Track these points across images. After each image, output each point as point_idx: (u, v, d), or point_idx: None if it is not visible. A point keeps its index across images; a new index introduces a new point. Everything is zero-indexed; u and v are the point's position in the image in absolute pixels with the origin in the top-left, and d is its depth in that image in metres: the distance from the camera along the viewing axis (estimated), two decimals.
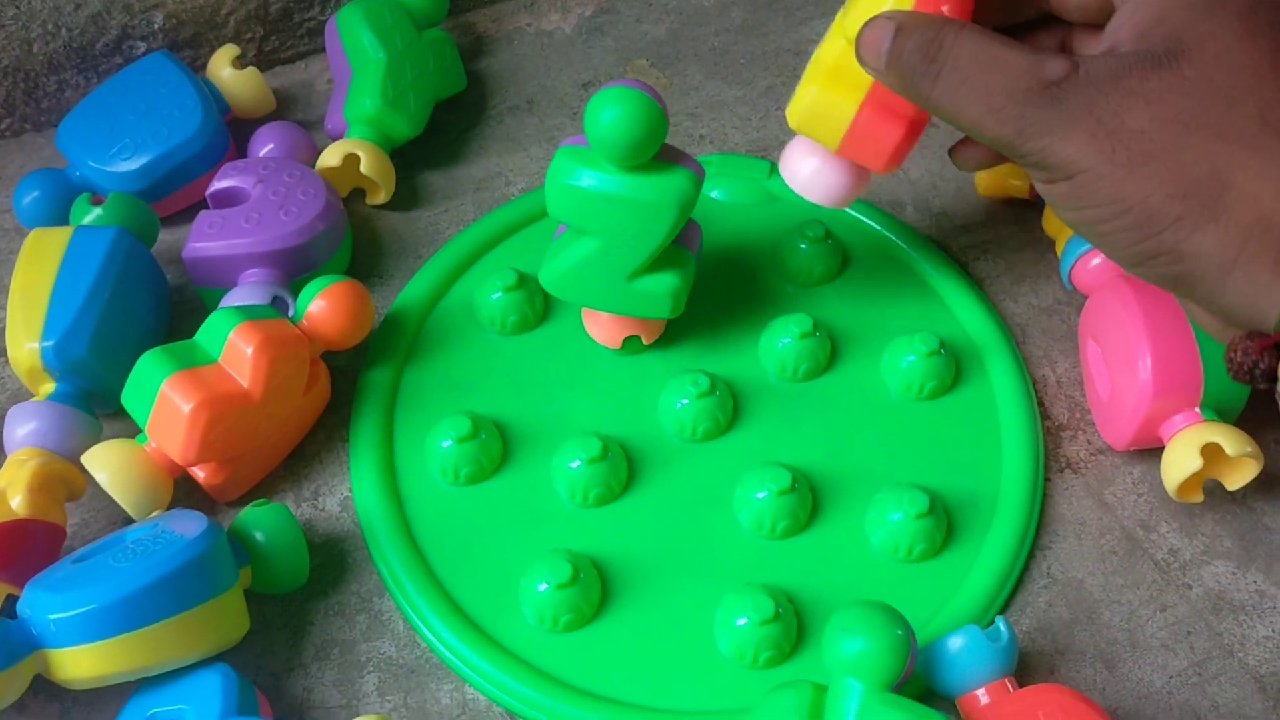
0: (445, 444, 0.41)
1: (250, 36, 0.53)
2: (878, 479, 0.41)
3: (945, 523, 0.40)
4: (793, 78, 0.51)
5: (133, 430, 0.41)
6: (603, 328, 0.44)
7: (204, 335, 0.39)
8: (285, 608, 0.39)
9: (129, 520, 0.41)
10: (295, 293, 0.43)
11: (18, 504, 0.37)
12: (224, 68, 0.49)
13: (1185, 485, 0.39)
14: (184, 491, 0.41)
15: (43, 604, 0.33)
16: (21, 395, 0.44)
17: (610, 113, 0.37)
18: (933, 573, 0.40)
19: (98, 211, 0.44)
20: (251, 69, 0.50)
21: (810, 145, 0.41)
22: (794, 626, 0.38)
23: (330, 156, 0.47)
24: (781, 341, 0.43)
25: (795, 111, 0.39)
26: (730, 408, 0.43)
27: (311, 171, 0.46)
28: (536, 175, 0.51)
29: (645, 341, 0.44)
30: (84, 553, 0.36)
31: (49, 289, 0.41)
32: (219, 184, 0.45)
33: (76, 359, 0.40)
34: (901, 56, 0.35)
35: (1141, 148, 0.32)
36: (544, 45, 0.56)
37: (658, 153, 0.39)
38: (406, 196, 0.50)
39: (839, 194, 0.41)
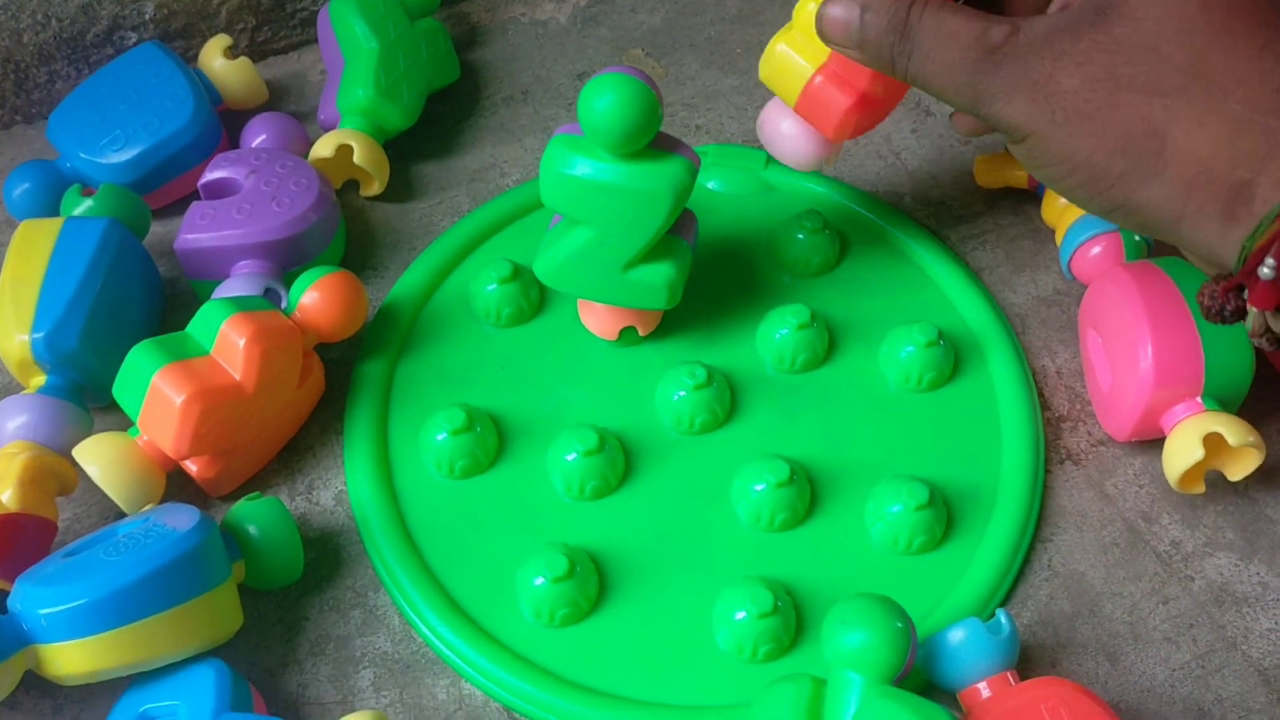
0: (440, 437, 0.40)
1: (242, 26, 0.53)
2: (877, 471, 0.41)
3: (945, 515, 0.40)
4: None
5: (124, 423, 0.40)
6: (599, 319, 0.44)
7: (196, 327, 0.39)
8: (279, 603, 0.39)
9: (121, 514, 0.40)
10: (288, 285, 0.43)
11: (8, 498, 0.36)
12: (216, 58, 0.49)
13: (1187, 476, 0.39)
14: (176, 485, 0.41)
15: (33, 598, 0.33)
16: (12, 388, 0.44)
17: (605, 99, 0.36)
18: (933, 565, 0.39)
19: (88, 203, 0.43)
20: (243, 59, 0.49)
21: (782, 105, 0.42)
22: (793, 620, 0.38)
23: (323, 147, 0.46)
24: (779, 332, 0.43)
25: (763, 65, 0.41)
26: (728, 400, 0.42)
27: (304, 162, 0.45)
28: (531, 166, 0.50)
29: (641, 333, 0.44)
30: (75, 547, 0.36)
31: (39, 281, 0.40)
32: (211, 175, 0.45)
33: (67, 351, 0.39)
34: (873, 36, 0.36)
35: (1077, 108, 0.32)
36: (538, 35, 0.55)
37: (653, 140, 0.38)
38: (400, 188, 0.49)
39: (801, 156, 0.42)
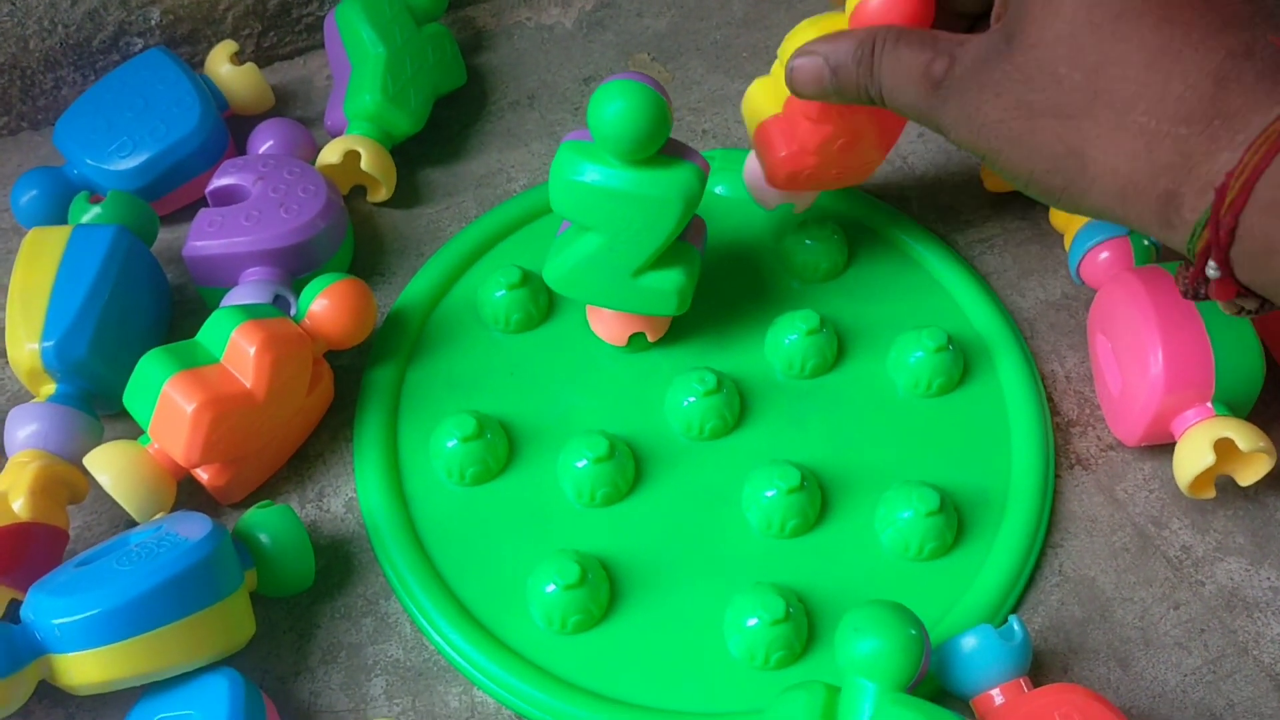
0: (450, 443, 0.40)
1: (248, 32, 0.53)
2: (887, 476, 0.41)
3: (955, 520, 0.40)
4: None
5: (135, 431, 0.40)
6: (607, 325, 0.44)
7: (206, 335, 0.39)
8: (291, 611, 0.39)
9: (131, 522, 0.40)
10: (297, 291, 0.43)
11: (19, 507, 0.37)
12: (222, 64, 0.49)
13: (1198, 481, 0.39)
14: (186, 493, 0.41)
15: (47, 608, 0.33)
16: (22, 397, 0.44)
17: (614, 106, 0.36)
18: (943, 571, 0.39)
19: (96, 210, 0.43)
20: (250, 65, 0.49)
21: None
22: (805, 626, 0.38)
23: (330, 153, 0.46)
24: (788, 338, 0.43)
25: (743, 103, 0.43)
26: (737, 405, 0.42)
27: (312, 169, 0.45)
28: (538, 171, 0.50)
29: (650, 339, 0.44)
30: (87, 556, 0.36)
31: (48, 289, 0.40)
32: (219, 181, 0.45)
33: (77, 359, 0.39)
34: (845, 80, 0.37)
35: (1004, 136, 0.33)
36: (544, 40, 0.55)
37: (662, 147, 0.38)
38: (407, 193, 0.49)
39: (757, 194, 0.44)
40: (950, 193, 0.49)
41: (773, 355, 0.44)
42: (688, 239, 0.41)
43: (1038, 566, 0.40)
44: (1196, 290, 0.32)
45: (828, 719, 0.32)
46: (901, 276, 0.46)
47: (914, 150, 0.51)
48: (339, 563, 0.40)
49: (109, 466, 0.38)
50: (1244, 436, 0.38)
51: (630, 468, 0.41)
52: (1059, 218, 0.46)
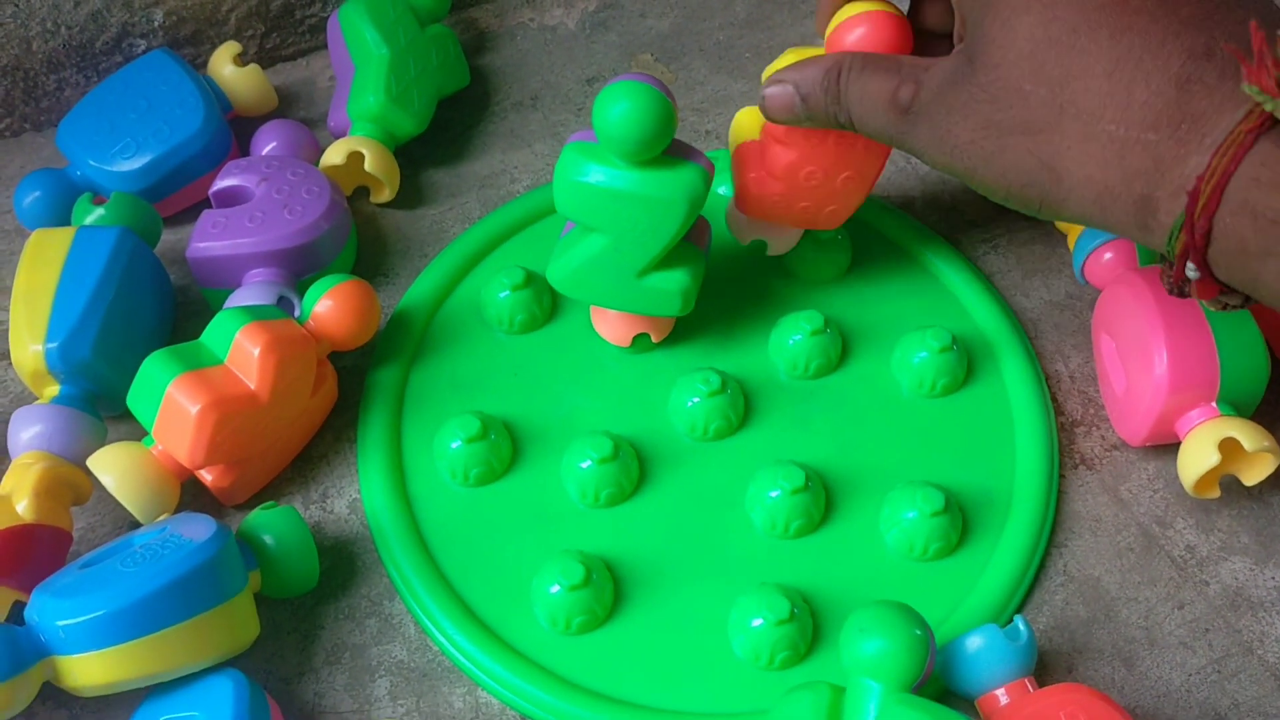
0: (454, 444, 0.40)
1: (251, 33, 0.53)
2: (891, 477, 0.41)
3: (960, 520, 0.40)
4: None
5: (138, 433, 0.40)
6: (611, 326, 0.44)
7: (210, 336, 0.39)
8: (295, 612, 0.39)
9: (135, 524, 0.40)
10: (301, 293, 0.43)
11: (23, 508, 0.37)
12: (225, 65, 0.49)
13: (1202, 481, 0.39)
14: (190, 494, 0.41)
15: (51, 610, 0.33)
16: (26, 398, 0.43)
17: (619, 107, 0.36)
18: (948, 571, 0.39)
19: (100, 211, 0.43)
20: (253, 66, 0.49)
21: None
22: (809, 627, 0.38)
23: (334, 154, 0.46)
24: (792, 339, 0.43)
25: (732, 125, 0.43)
26: (741, 406, 0.42)
27: (315, 170, 0.45)
28: (542, 171, 0.50)
29: (655, 339, 0.44)
30: (91, 557, 0.36)
31: (52, 290, 0.40)
32: (222, 183, 0.45)
33: (81, 361, 0.39)
34: (814, 108, 0.38)
35: (976, 155, 0.34)
36: (547, 40, 0.55)
37: (667, 148, 0.38)
38: (411, 194, 0.49)
39: (733, 220, 0.44)
40: (954, 193, 0.49)
41: (777, 356, 0.44)
42: (692, 240, 0.41)
43: (1042, 566, 0.40)
44: (1181, 290, 0.32)
45: (833, 719, 0.32)
46: (905, 277, 0.46)
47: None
48: (343, 564, 0.40)
49: (113, 468, 0.38)
50: (1249, 436, 0.38)
51: (634, 468, 0.41)
52: None
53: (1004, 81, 0.33)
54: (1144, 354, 0.40)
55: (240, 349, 0.38)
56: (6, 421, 0.40)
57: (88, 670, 0.33)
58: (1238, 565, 0.40)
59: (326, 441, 0.43)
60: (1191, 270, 0.30)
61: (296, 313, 0.42)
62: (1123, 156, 0.31)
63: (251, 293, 0.42)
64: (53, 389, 0.40)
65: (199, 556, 0.34)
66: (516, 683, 0.37)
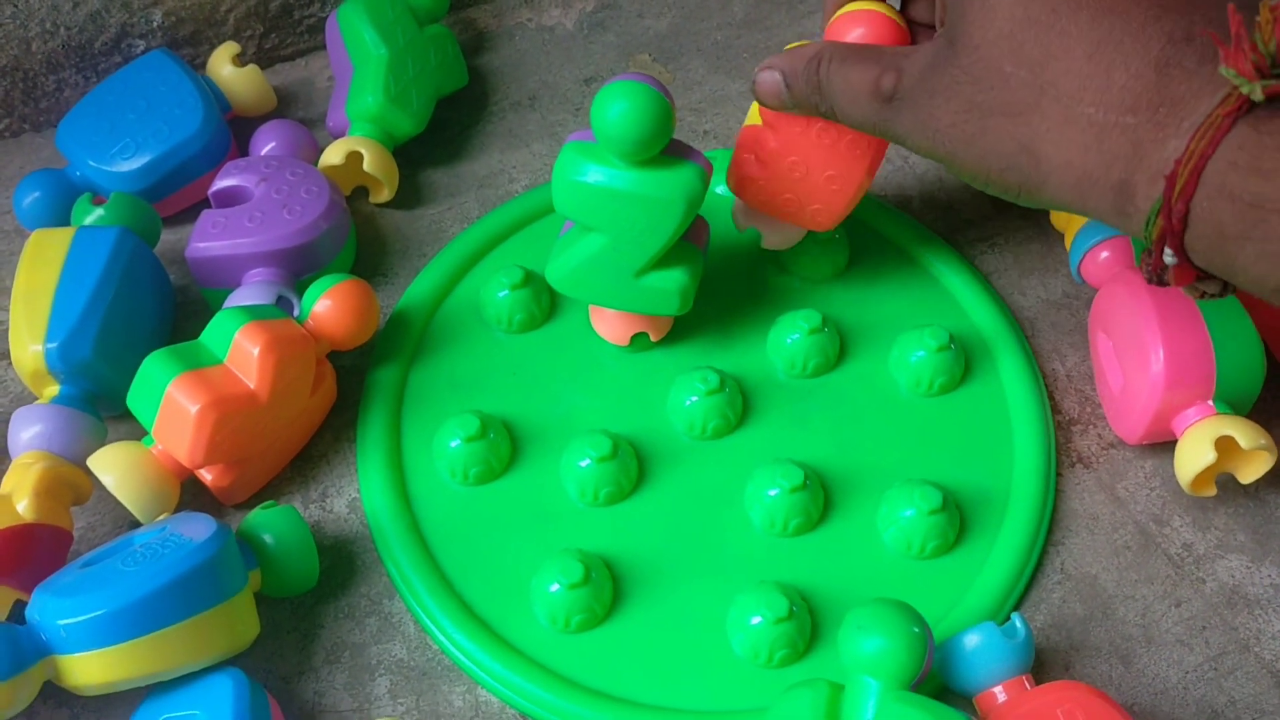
0: (453, 443, 0.41)
1: (250, 33, 0.53)
2: (889, 475, 0.41)
3: (958, 519, 0.40)
4: None
5: (138, 432, 0.40)
6: (610, 325, 0.44)
7: (209, 336, 0.39)
8: (295, 611, 0.39)
9: (135, 523, 0.40)
10: (300, 292, 0.43)
11: (24, 508, 0.37)
12: (224, 65, 0.49)
13: (1199, 479, 0.39)
14: (190, 494, 0.41)
15: (52, 609, 0.33)
16: (25, 398, 0.44)
17: (618, 107, 0.36)
18: (946, 569, 0.40)
19: (99, 212, 0.43)
20: (252, 66, 0.49)
21: None
22: (808, 625, 0.38)
23: (333, 154, 0.46)
24: (790, 337, 0.43)
25: (750, 113, 0.42)
26: (740, 405, 0.43)
27: (314, 170, 0.45)
28: (540, 171, 0.50)
29: (653, 338, 0.44)
30: (92, 557, 0.36)
31: (52, 291, 0.40)
32: (221, 183, 0.45)
33: (81, 361, 0.39)
34: (798, 96, 0.38)
35: (958, 138, 0.34)
36: (545, 40, 0.55)
37: (665, 148, 0.38)
38: (409, 194, 0.50)
39: (735, 207, 0.44)
40: (951, 192, 0.49)
41: (775, 354, 0.44)
42: (690, 239, 0.41)
43: (1039, 564, 0.40)
44: (1159, 276, 0.32)
45: (832, 717, 0.33)
46: (903, 276, 0.46)
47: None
48: (342, 563, 0.40)
49: (113, 467, 0.38)
50: (1245, 434, 0.38)
51: (633, 467, 0.41)
52: (1060, 217, 0.46)
53: (985, 62, 0.33)
54: (1140, 352, 0.40)
55: (240, 349, 0.38)
56: (7, 421, 0.40)
57: (88, 669, 0.33)
58: (1234, 563, 0.40)
59: (326, 441, 0.43)
60: (1169, 256, 0.30)
61: (296, 312, 0.42)
62: (1101, 140, 0.31)
63: (251, 292, 0.42)
64: (53, 389, 0.40)
65: (199, 556, 0.34)
66: (516, 681, 0.37)
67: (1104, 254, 0.43)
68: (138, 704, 0.35)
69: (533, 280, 0.44)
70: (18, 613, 0.36)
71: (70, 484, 0.38)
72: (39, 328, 0.40)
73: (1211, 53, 0.29)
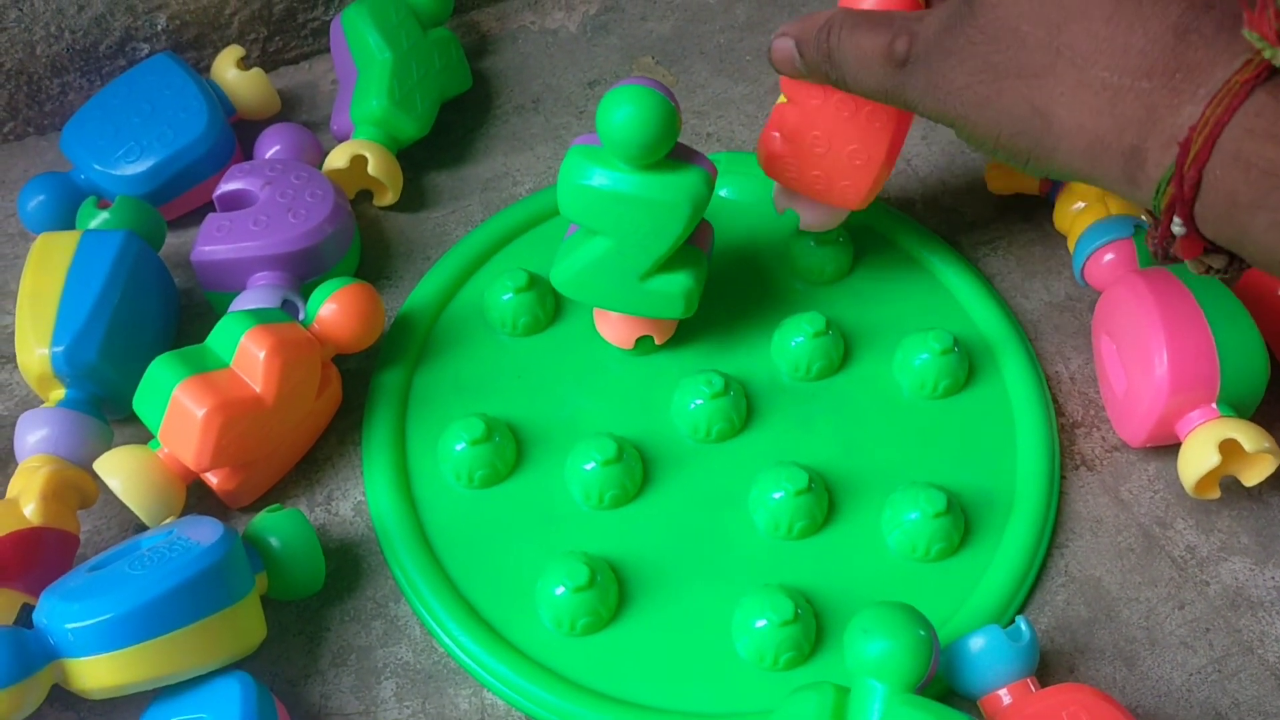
0: (459, 447, 0.41)
1: (254, 37, 0.53)
2: (893, 478, 0.41)
3: (962, 522, 0.40)
4: None
5: (144, 436, 0.41)
6: (614, 328, 0.44)
7: (215, 340, 0.39)
8: (301, 614, 0.39)
9: (141, 527, 0.40)
10: (305, 296, 0.43)
11: (30, 512, 0.37)
12: (228, 69, 0.49)
13: (1203, 482, 0.39)
14: (196, 497, 0.41)
15: (59, 613, 0.33)
16: (32, 402, 0.44)
17: (624, 111, 0.36)
18: (950, 572, 0.40)
19: (105, 215, 0.44)
20: (256, 70, 0.49)
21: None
22: (813, 627, 0.38)
23: (337, 158, 0.46)
24: (794, 340, 0.43)
25: None
26: (744, 408, 0.43)
27: (319, 173, 0.45)
28: (543, 174, 0.50)
29: (657, 342, 0.44)
30: (99, 560, 0.36)
31: (58, 294, 0.40)
32: (226, 186, 0.45)
33: (87, 364, 0.40)
34: (810, 64, 0.38)
35: (971, 101, 0.33)
36: (549, 44, 0.55)
37: (670, 151, 0.38)
38: (413, 197, 0.50)
39: (775, 195, 0.45)
40: (954, 195, 0.49)
41: (779, 358, 0.44)
42: (695, 242, 0.41)
43: (1044, 567, 0.40)
44: (1165, 250, 0.32)
45: (837, 719, 0.33)
46: (906, 279, 0.46)
47: (918, 153, 0.51)
48: (348, 566, 0.40)
49: (119, 471, 0.38)
50: (1249, 437, 0.38)
51: (638, 470, 0.41)
52: (1063, 220, 0.46)
53: (1003, 20, 0.32)
54: (1144, 355, 0.40)
55: (246, 352, 0.38)
56: (13, 425, 0.40)
57: (96, 673, 0.33)
58: (1238, 565, 0.40)
59: (331, 444, 0.43)
60: (1178, 226, 0.30)
61: (301, 316, 0.42)
62: (1115, 104, 0.30)
63: (256, 296, 0.42)
64: (58, 392, 0.40)
65: (206, 559, 0.34)
66: (522, 684, 0.37)
67: (1107, 256, 0.43)
68: (145, 707, 0.35)
69: (537, 283, 0.44)
70: (25, 617, 0.36)
71: (76, 487, 0.38)
72: (45, 331, 0.40)
73: (1230, 21, 0.29)
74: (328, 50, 0.55)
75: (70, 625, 0.33)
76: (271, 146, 0.48)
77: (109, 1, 0.49)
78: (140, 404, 0.39)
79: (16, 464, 0.39)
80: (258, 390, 0.38)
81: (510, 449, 0.42)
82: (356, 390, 0.44)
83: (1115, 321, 0.42)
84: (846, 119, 0.40)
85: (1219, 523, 0.41)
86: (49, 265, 0.41)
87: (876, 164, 0.41)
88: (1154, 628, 0.39)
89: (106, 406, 0.41)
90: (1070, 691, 0.34)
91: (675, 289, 0.40)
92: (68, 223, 0.46)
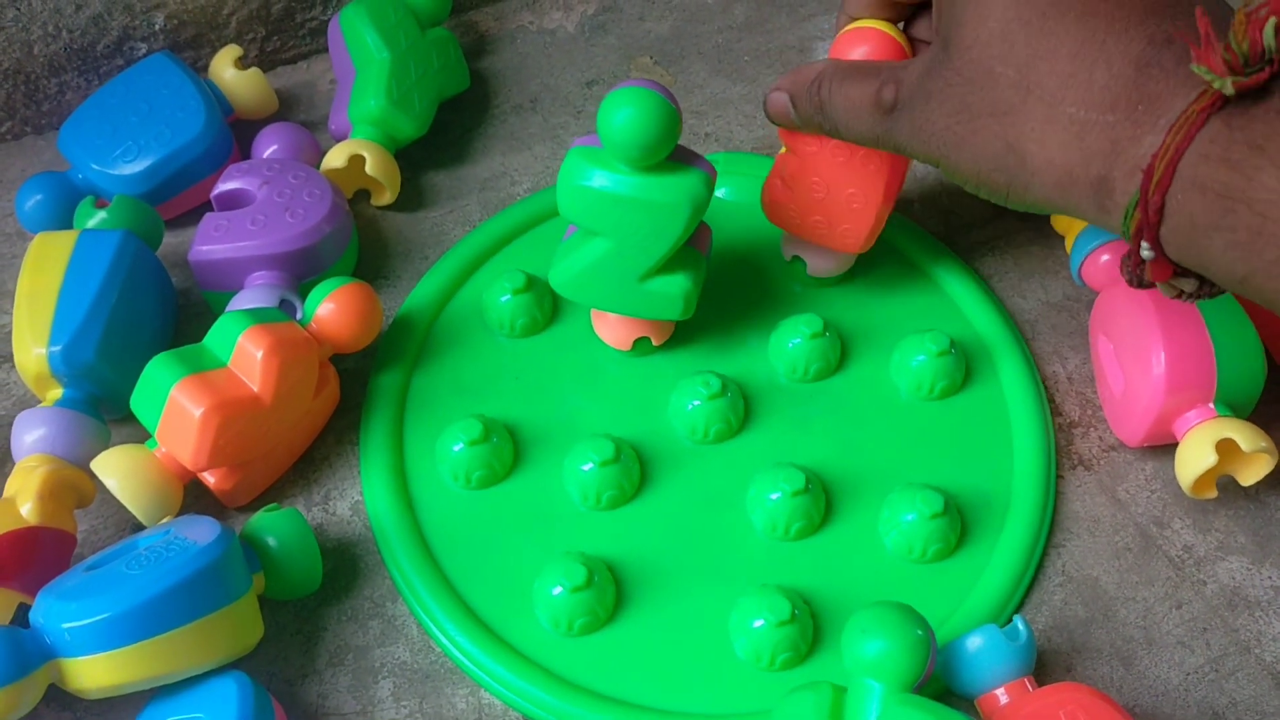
0: (456, 447, 0.41)
1: (252, 37, 0.53)
2: (890, 479, 0.41)
3: (959, 522, 0.40)
4: None
5: (141, 435, 0.41)
6: (612, 329, 0.44)
7: (213, 339, 0.39)
8: (298, 614, 0.39)
9: (138, 526, 0.40)
10: (302, 295, 0.43)
11: (27, 511, 0.37)
12: (226, 68, 0.49)
13: (1200, 482, 0.39)
14: (193, 496, 0.41)
15: (56, 612, 0.33)
16: (29, 401, 0.44)
17: (624, 113, 0.36)
18: (947, 573, 0.40)
19: (102, 215, 0.43)
20: (254, 70, 0.49)
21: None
22: (810, 628, 0.38)
23: (335, 157, 0.46)
24: (792, 342, 0.43)
25: None
26: (741, 409, 0.43)
27: (317, 173, 0.45)
28: (541, 174, 0.50)
29: (655, 343, 0.44)
30: (96, 560, 0.36)
31: (55, 293, 0.40)
32: (224, 186, 0.45)
33: (84, 364, 0.40)
34: (803, 116, 0.40)
35: (951, 140, 0.35)
36: (547, 44, 0.55)
37: (670, 153, 0.38)
38: (411, 197, 0.50)
39: (789, 247, 0.45)
40: (951, 196, 0.49)
41: (776, 359, 0.44)
42: (693, 244, 0.41)
43: (1041, 567, 0.40)
44: (1139, 276, 0.32)
45: (834, 719, 0.33)
46: (903, 280, 0.46)
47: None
48: (345, 566, 0.40)
49: (116, 470, 0.38)
50: (1246, 437, 0.38)
51: (635, 471, 0.41)
52: (1061, 220, 0.46)
53: (977, 62, 0.34)
54: (1141, 355, 0.40)
55: (243, 352, 0.38)
56: (10, 425, 0.40)
57: (93, 673, 0.33)
58: (1235, 565, 0.40)
59: (329, 444, 0.43)
60: (1145, 250, 0.31)
61: (298, 315, 0.42)
62: (1082, 138, 0.31)
63: (254, 295, 0.42)
64: (56, 392, 0.40)
65: (203, 559, 0.34)
66: (519, 684, 0.37)
67: (1105, 256, 0.43)
68: (142, 707, 0.35)
69: (535, 285, 0.44)
70: (22, 616, 0.36)
71: (74, 487, 0.38)
72: (42, 331, 0.40)
73: (1189, 55, 0.30)
74: (326, 50, 0.55)
75: (67, 625, 0.33)
76: (269, 146, 0.48)
77: (106, 1, 0.49)
78: (137, 403, 0.39)
79: (13, 463, 0.39)
80: (255, 390, 0.38)
81: (508, 450, 0.42)
82: (354, 390, 0.44)
83: (1113, 321, 0.42)
84: (842, 164, 0.41)
85: (1216, 522, 0.41)
86: (46, 265, 0.41)
87: (875, 206, 0.42)
88: (1151, 627, 0.39)
89: (104, 406, 0.41)
90: (1067, 691, 0.34)
91: (674, 291, 0.41)
92: (65, 222, 0.46)
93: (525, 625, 0.39)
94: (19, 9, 0.48)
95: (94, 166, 0.46)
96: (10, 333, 0.44)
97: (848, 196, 0.42)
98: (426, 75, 0.50)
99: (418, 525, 0.41)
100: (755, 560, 0.40)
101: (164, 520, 0.39)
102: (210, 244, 0.43)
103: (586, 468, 0.40)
